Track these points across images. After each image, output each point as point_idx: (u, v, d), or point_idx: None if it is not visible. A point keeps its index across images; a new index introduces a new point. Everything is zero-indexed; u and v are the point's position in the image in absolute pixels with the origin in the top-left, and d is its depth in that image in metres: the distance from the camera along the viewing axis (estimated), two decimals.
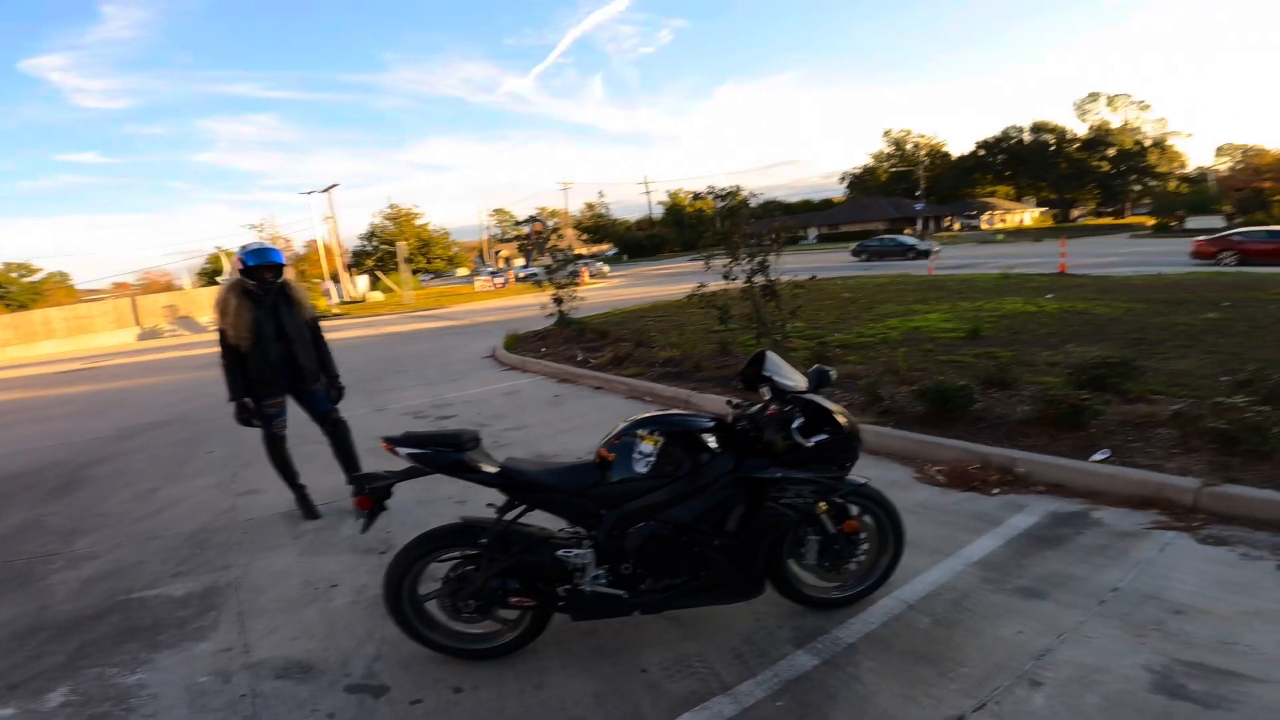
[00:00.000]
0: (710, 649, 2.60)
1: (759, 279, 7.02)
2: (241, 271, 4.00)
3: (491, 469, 2.50)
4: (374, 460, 4.61)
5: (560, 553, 2.53)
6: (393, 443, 2.49)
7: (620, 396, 7.39)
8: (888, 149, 74.86)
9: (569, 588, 2.52)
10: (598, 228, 78.39)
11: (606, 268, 37.95)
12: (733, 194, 7.24)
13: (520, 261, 67.21)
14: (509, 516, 2.56)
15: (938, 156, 70.84)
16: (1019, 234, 47.50)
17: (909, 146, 72.50)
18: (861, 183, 74.94)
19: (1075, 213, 67.41)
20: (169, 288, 44.04)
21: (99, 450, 6.96)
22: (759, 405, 2.68)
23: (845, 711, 2.23)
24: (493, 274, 40.94)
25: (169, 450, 6.63)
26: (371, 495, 2.49)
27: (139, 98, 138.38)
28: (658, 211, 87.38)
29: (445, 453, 2.46)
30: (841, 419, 2.60)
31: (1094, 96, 63.04)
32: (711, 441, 2.53)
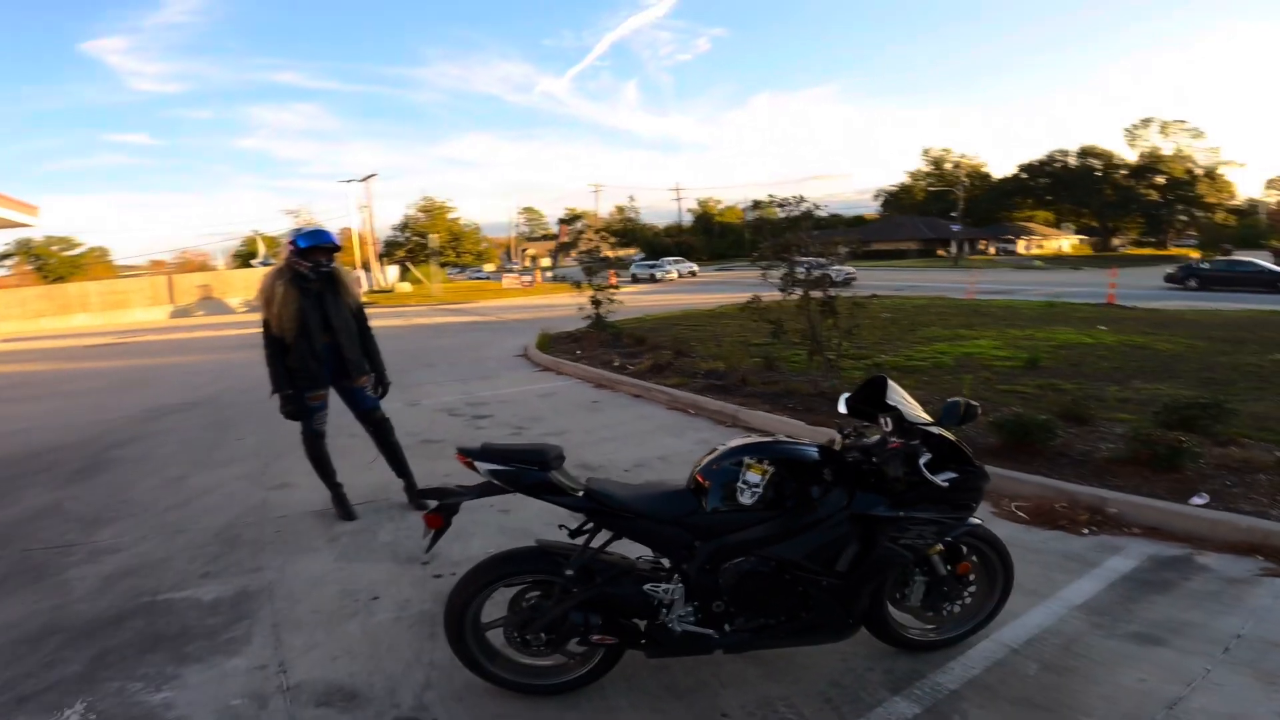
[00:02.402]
0: (796, 692, 2.36)
1: (816, 294, 6.69)
2: (294, 254, 3.78)
3: (577, 491, 2.26)
4: (417, 461, 4.44)
5: (647, 586, 2.29)
6: (470, 456, 2.25)
7: (661, 406, 7.12)
8: (926, 168, 73.93)
9: (652, 624, 2.29)
10: (626, 231, 78.68)
11: (694, 267, 41.06)
12: (796, 203, 6.89)
13: (546, 261, 67.75)
14: (594, 544, 2.33)
15: (977, 177, 69.69)
16: (1057, 261, 46.50)
17: (948, 166, 71.49)
18: (896, 201, 74.08)
19: (1115, 241, 65.91)
20: (204, 268, 44.61)
21: (126, 430, 6.80)
22: (877, 437, 2.41)
23: None
24: (521, 272, 40.98)
25: (198, 434, 6.45)
26: (442, 513, 2.25)
27: (190, 82, 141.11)
28: (687, 219, 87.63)
29: (529, 471, 2.23)
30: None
31: (1146, 122, 61.42)
32: (825, 474, 2.31)
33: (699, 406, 6.87)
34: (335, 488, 4.10)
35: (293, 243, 3.81)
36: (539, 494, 2.23)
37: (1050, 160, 65.26)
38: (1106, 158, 62.41)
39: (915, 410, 2.41)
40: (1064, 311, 13.94)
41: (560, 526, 2.40)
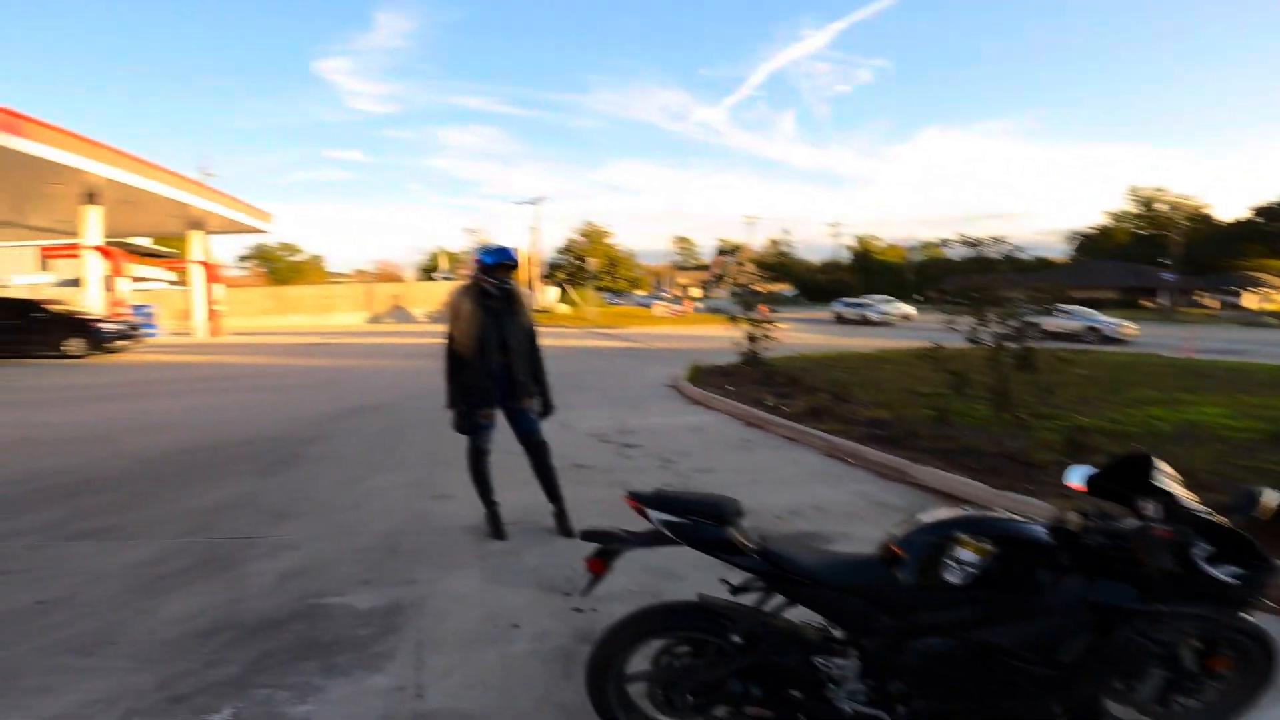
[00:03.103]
0: None
1: (1012, 344, 5.94)
2: (480, 270, 3.90)
3: (752, 550, 2.04)
4: (566, 486, 4.43)
5: (817, 659, 2.02)
6: (642, 502, 2.11)
7: (816, 452, 6.66)
8: (1133, 209, 65.75)
9: (813, 698, 2.01)
10: (779, 266, 77.43)
11: (1131, 326, 23.38)
12: (994, 243, 6.21)
13: (697, 291, 68.41)
14: (766, 608, 2.10)
15: (1197, 220, 60.75)
16: None
17: (1161, 207, 63.05)
18: (1093, 244, 66.45)
19: None
20: (396, 279, 50.02)
21: (317, 428, 7.51)
22: (1131, 521, 1.97)
23: None
24: (671, 300, 41.55)
25: (376, 438, 6.98)
26: (605, 559, 2.14)
27: (396, 104, 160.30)
28: (844, 255, 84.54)
29: (706, 526, 2.04)
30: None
31: None
32: (1061, 559, 1.94)
33: (859, 456, 6.33)
34: (491, 505, 4.15)
35: (479, 259, 3.93)
36: (712, 551, 2.04)
37: None
38: None
39: (1187, 495, 1.97)
40: None
41: (722, 581, 2.17)
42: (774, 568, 2.01)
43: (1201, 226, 60.13)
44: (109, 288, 19.38)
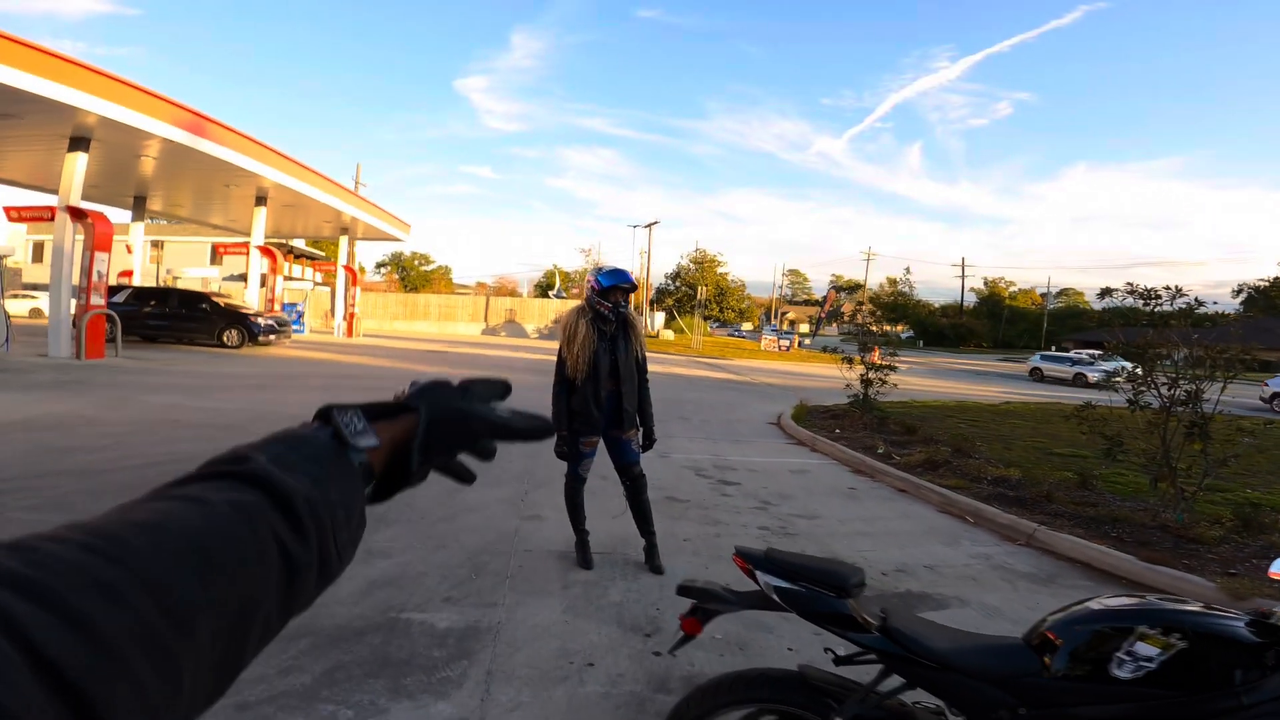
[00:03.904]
0: None
1: (1184, 410, 5.19)
2: (595, 292, 3.83)
3: (872, 626, 1.80)
4: (659, 519, 4.26)
5: None
6: (750, 562, 1.91)
7: (931, 507, 6.12)
8: None
9: None
10: (897, 306, 73.88)
11: None
12: (1171, 297, 5.48)
13: (805, 327, 66.41)
14: (881, 688, 1.84)
15: None
16: None
17: None
18: (1267, 299, 58.70)
19: None
20: (512, 294, 52.34)
21: None
22: None
23: None
24: (778, 334, 40.65)
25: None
26: (702, 618, 1.95)
27: (525, 122, 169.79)
28: (969, 299, 79.44)
29: (823, 597, 1.82)
30: None
31: None
32: (1268, 658, 1.61)
33: (980, 515, 5.75)
34: (582, 534, 4.05)
35: (595, 281, 3.85)
36: (827, 625, 1.81)
37: None
38: None
39: None
40: None
41: (826, 651, 1.94)
42: (898, 648, 1.75)
43: None
44: (266, 285, 21.23)
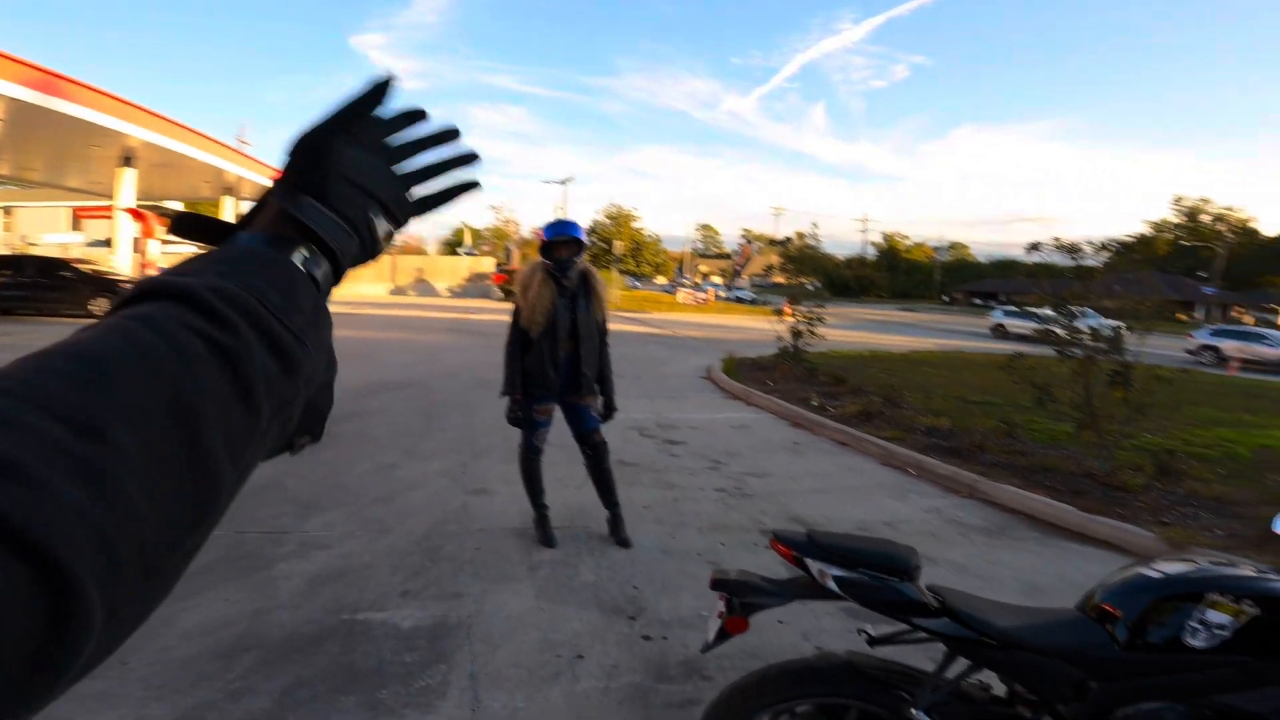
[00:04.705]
0: None
1: (1106, 359, 5.44)
2: (541, 248, 3.53)
3: (932, 607, 1.65)
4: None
5: None
6: (795, 549, 1.69)
7: (873, 460, 6.25)
8: (1176, 219, 63.76)
9: None
10: (804, 259, 75.42)
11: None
12: (1097, 250, 5.72)
13: (718, 279, 67.50)
14: (949, 674, 1.71)
15: (1242, 234, 58.84)
16: None
17: (1205, 219, 61.12)
18: (1130, 253, 64.70)
19: None
20: (420, 252, 49.74)
21: (349, 405, 7.08)
22: None
23: None
24: (695, 288, 40.95)
25: (408, 419, 6.61)
26: (745, 614, 1.72)
27: (428, 80, 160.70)
28: (870, 252, 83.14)
29: (889, 584, 1.64)
30: None
31: None
32: None
33: (922, 468, 5.90)
34: (541, 509, 3.77)
35: (543, 234, 3.56)
36: (894, 614, 1.64)
37: None
38: None
39: None
40: None
41: (860, 632, 1.79)
42: (967, 630, 1.61)
43: (1245, 240, 58.28)
44: (139, 250, 19.27)
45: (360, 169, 0.46)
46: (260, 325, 0.36)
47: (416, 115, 0.49)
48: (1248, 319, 48.09)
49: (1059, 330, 5.63)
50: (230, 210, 25.10)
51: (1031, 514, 4.80)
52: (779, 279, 12.13)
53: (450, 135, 0.50)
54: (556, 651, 2.64)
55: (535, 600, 3.03)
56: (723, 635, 1.73)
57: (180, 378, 0.31)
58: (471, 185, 0.52)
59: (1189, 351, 20.38)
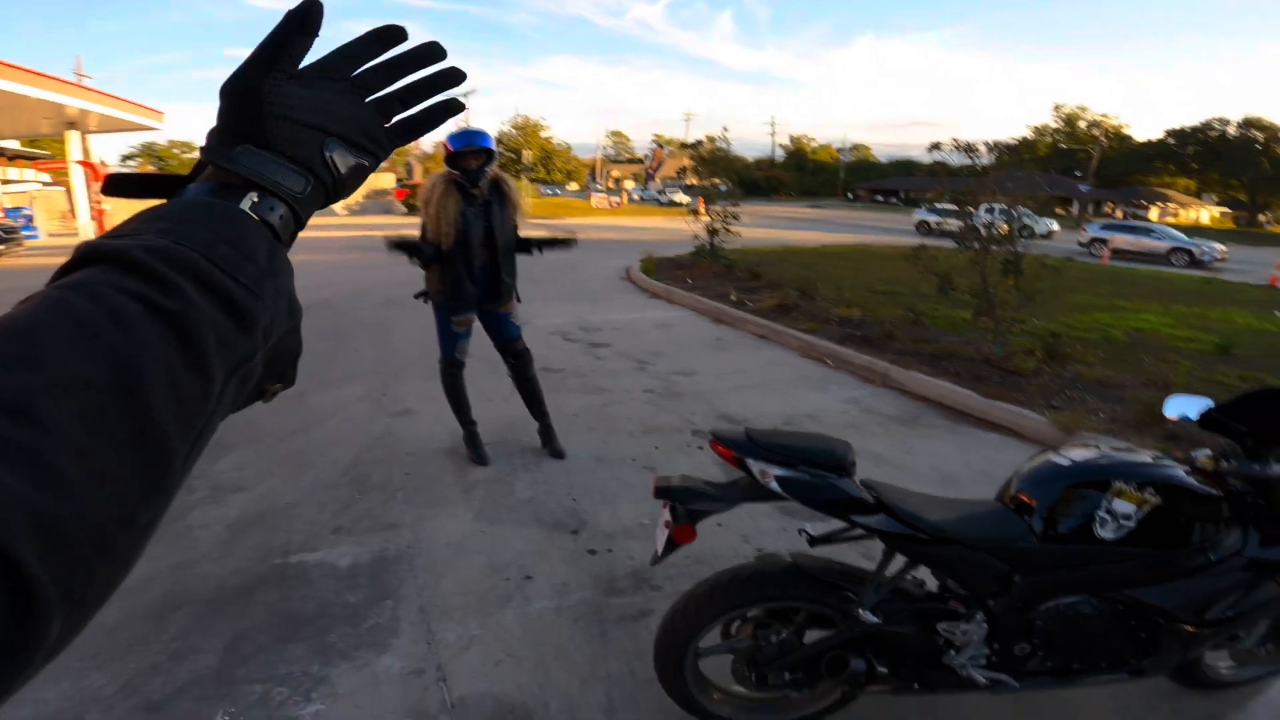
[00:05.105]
0: None
1: (1000, 249, 5.69)
2: (447, 159, 3.24)
3: (869, 503, 1.65)
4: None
5: (941, 626, 1.72)
6: (734, 448, 1.64)
7: (793, 353, 6.42)
8: (1055, 124, 67.04)
9: (930, 664, 1.74)
10: (714, 161, 75.00)
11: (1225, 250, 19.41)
12: (991, 150, 5.89)
13: (631, 184, 66.22)
14: (889, 572, 1.75)
15: (1115, 139, 62.76)
16: (1195, 233, 41.82)
17: (1082, 124, 64.53)
18: (1014, 155, 68.07)
19: (1261, 218, 58.54)
20: None
21: None
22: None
23: None
24: (608, 193, 39.92)
25: (314, 344, 6.14)
26: (692, 521, 1.69)
27: None
28: (779, 154, 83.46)
29: (830, 481, 1.62)
30: None
31: None
32: (1224, 510, 1.72)
33: (838, 358, 6.12)
34: (469, 426, 3.63)
35: (447, 144, 3.24)
36: (835, 511, 1.63)
37: (1206, 128, 57.93)
38: (1272, 130, 54.59)
39: None
40: (1225, 291, 12.24)
41: (800, 532, 1.80)
42: (903, 526, 1.63)
43: (1116, 145, 62.34)
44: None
45: (306, 104, 0.42)
46: (208, 282, 0.34)
47: (392, 36, 0.45)
48: (1118, 214, 52.15)
49: (982, 228, 5.85)
50: (76, 145, 22.66)
51: (940, 400, 5.07)
52: (692, 181, 12.13)
53: (431, 55, 0.46)
54: (504, 575, 2.58)
55: (474, 523, 2.94)
56: (671, 546, 1.70)
57: (116, 344, 0.30)
58: (455, 106, 0.49)
59: (1081, 244, 21.81)
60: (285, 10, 0.42)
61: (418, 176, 29.16)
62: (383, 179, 35.52)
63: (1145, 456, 1.77)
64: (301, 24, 0.42)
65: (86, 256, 0.34)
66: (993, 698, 1.86)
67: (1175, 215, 54.48)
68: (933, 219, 27.09)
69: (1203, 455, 1.82)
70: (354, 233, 18.15)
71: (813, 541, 1.79)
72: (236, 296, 0.35)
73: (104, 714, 1.85)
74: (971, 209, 5.99)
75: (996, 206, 5.91)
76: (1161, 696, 2.05)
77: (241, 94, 0.41)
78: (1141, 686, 2.01)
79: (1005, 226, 5.84)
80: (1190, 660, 1.89)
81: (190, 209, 0.38)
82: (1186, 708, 2.03)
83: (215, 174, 0.41)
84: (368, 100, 0.45)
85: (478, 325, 3.51)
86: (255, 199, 0.40)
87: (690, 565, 2.58)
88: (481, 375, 4.32)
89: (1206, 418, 1.82)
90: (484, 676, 2.06)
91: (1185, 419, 1.87)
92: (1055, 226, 22.52)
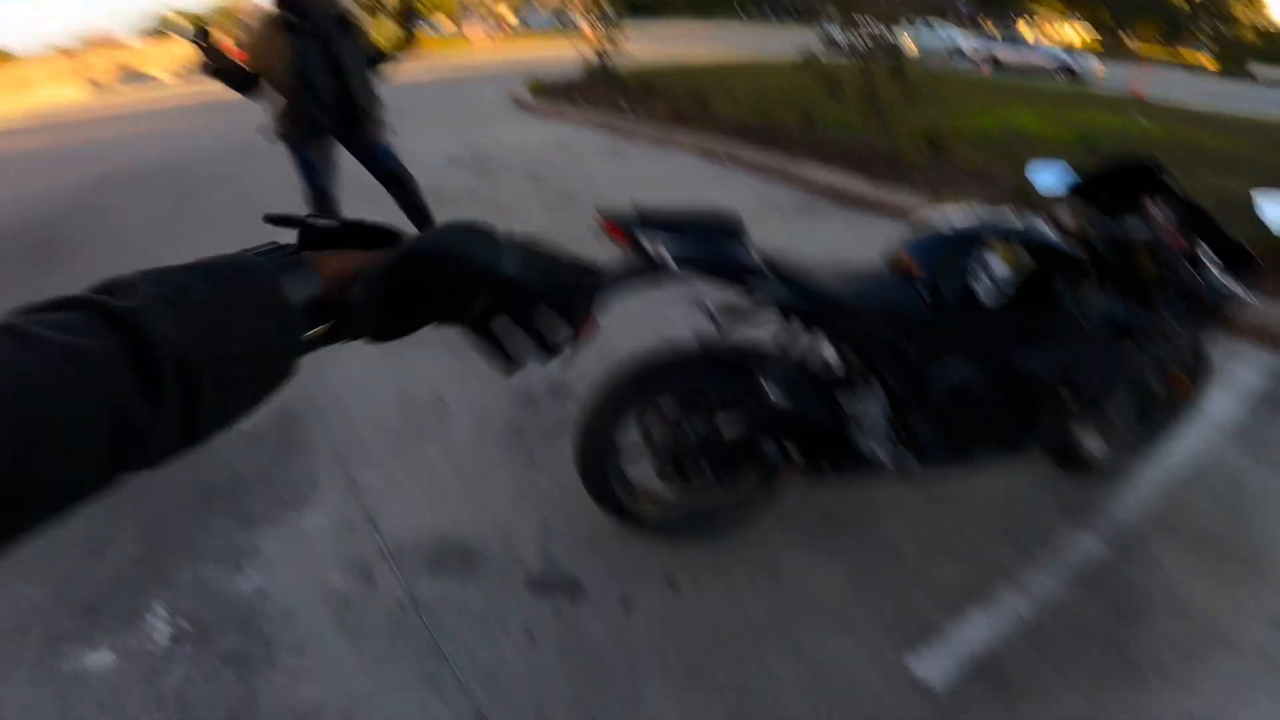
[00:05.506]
0: (968, 524, 2.01)
1: (883, 55, 5.88)
2: (279, 3, 2.89)
3: (762, 273, 1.61)
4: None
5: (844, 396, 1.78)
6: (625, 226, 1.52)
7: (691, 155, 6.37)
8: None
9: (840, 445, 1.80)
10: None
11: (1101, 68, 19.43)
12: None
13: (509, 13, 59.53)
14: (793, 352, 1.77)
15: None
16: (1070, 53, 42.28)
17: None
18: None
19: (1127, 41, 58.90)
20: (118, 47, 38.23)
21: (81, 204, 5.76)
22: (1143, 230, 1.79)
23: (1167, 615, 1.74)
24: (484, 21, 35.77)
25: (165, 208, 5.50)
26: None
27: None
28: None
29: (729, 248, 1.56)
30: None
31: None
32: (1089, 272, 1.77)
33: (736, 158, 6.10)
34: None
35: None
36: (735, 279, 1.58)
37: None
38: None
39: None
40: (1091, 99, 12.43)
41: (699, 305, 1.80)
42: (803, 297, 1.61)
43: None
44: None
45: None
46: (191, 409, 0.35)
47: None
48: (992, 29, 51.17)
49: (875, 42, 5.73)
50: None
51: (833, 190, 5.15)
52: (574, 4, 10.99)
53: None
54: (417, 404, 2.54)
55: (378, 357, 2.86)
56: (570, 339, 1.64)
57: (58, 441, 0.29)
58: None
59: (968, 56, 21.56)
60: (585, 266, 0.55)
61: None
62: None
63: (1014, 219, 1.79)
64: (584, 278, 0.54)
65: (124, 319, 0.33)
66: (906, 489, 2.00)
67: (1044, 33, 54.27)
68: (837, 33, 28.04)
69: (1066, 215, 1.88)
70: (194, 100, 15.77)
71: (712, 317, 1.75)
72: (201, 424, 0.36)
73: (48, 625, 1.73)
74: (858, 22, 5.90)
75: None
76: (1045, 484, 2.15)
77: (436, 256, 0.46)
78: (1029, 478, 2.15)
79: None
80: (1067, 439, 2.02)
81: (270, 308, 0.40)
82: (1068, 495, 2.12)
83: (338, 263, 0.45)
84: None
85: (352, 161, 3.28)
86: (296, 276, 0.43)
87: (602, 363, 2.61)
88: (364, 208, 4.02)
89: (1076, 190, 1.89)
90: (416, 518, 2.04)
91: (1054, 194, 1.93)
92: (962, 42, 22.01)
